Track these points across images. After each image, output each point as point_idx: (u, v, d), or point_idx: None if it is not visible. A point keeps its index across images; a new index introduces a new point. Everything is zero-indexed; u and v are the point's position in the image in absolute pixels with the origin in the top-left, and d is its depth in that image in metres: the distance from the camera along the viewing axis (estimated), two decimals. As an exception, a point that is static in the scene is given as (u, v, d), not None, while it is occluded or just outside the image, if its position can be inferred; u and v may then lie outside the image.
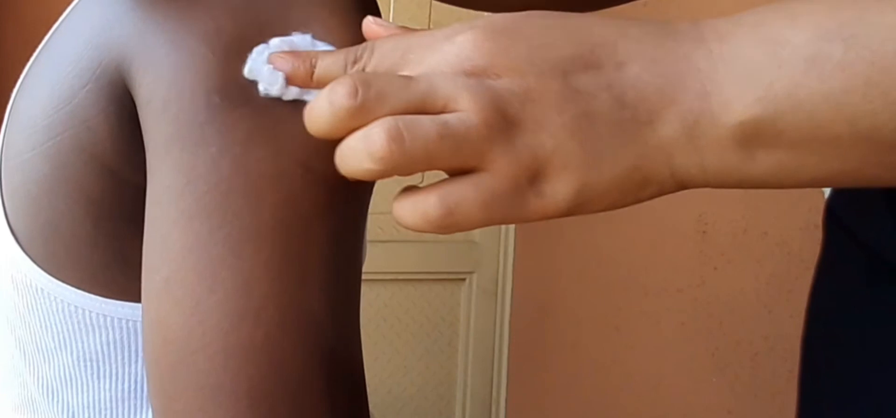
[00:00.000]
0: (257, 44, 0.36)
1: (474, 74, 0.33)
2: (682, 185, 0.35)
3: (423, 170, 0.33)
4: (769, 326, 1.21)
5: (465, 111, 0.32)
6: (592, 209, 0.35)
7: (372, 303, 1.89)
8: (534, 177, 0.33)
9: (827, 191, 1.06)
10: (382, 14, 0.41)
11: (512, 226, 1.95)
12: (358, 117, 0.32)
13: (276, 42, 0.36)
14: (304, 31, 0.36)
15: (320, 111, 0.33)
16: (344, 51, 0.36)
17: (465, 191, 0.33)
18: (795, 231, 1.16)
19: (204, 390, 0.33)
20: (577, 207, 0.34)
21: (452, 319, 1.98)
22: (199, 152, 0.34)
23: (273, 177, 0.34)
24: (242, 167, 0.34)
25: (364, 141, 0.32)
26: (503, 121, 0.32)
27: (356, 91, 0.32)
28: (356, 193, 0.38)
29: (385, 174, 0.32)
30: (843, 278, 0.50)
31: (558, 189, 0.33)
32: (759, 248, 1.23)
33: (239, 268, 0.34)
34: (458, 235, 1.95)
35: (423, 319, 1.96)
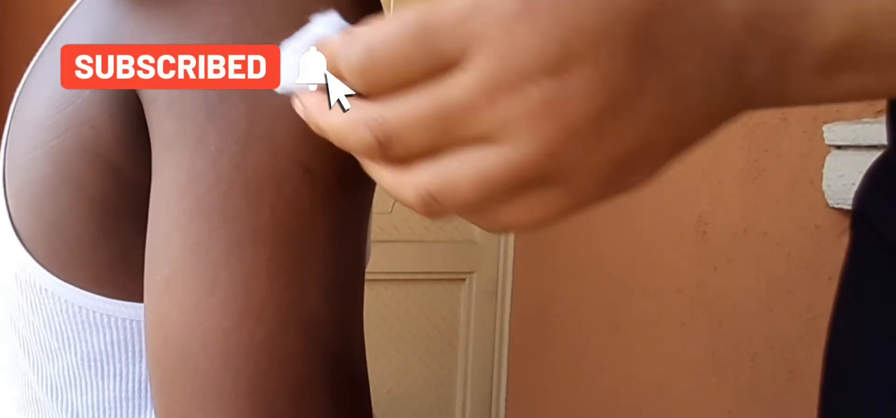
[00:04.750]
0: (255, 40, 0.35)
1: (526, 81, 0.26)
2: (747, 109, 0.30)
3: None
4: (769, 326, 1.21)
5: (517, 147, 0.26)
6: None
7: (372, 303, 1.89)
8: (618, 173, 0.28)
9: (828, 191, 1.06)
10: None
11: (512, 226, 1.95)
12: (383, 157, 0.29)
13: (300, 36, 0.32)
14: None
15: (339, 134, 0.29)
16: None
17: (541, 208, 0.28)
18: (795, 231, 1.16)
19: (204, 391, 0.33)
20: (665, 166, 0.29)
21: (452, 319, 1.98)
22: (199, 151, 0.34)
23: (272, 177, 0.34)
24: (241, 167, 0.34)
25: (398, 192, 0.28)
26: (571, 143, 0.26)
27: (377, 147, 0.28)
28: (355, 192, 0.38)
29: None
30: (873, 281, 0.49)
31: (643, 172, 0.29)
32: (759, 248, 1.23)
33: (239, 269, 0.33)
34: (458, 235, 1.95)
35: (423, 319, 1.96)
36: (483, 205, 0.28)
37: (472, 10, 0.26)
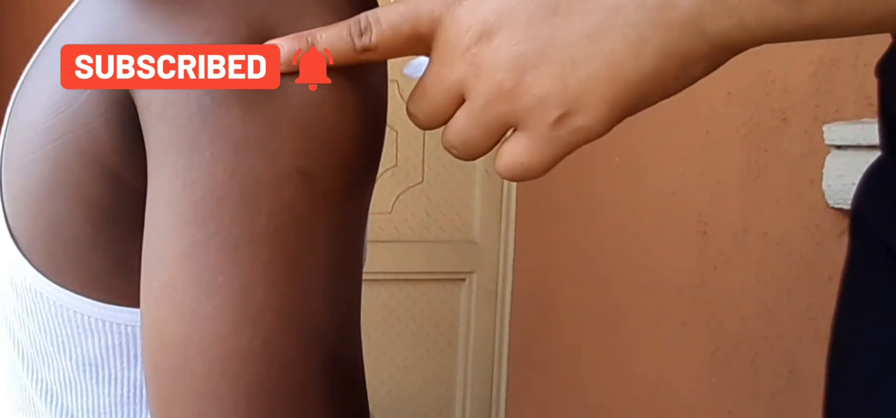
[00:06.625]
0: (251, 42, 0.36)
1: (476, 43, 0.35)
2: (732, 51, 0.33)
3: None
4: (769, 326, 1.21)
5: (472, 98, 0.36)
6: (641, 107, 0.35)
7: (372, 302, 1.89)
8: (561, 117, 0.35)
9: (828, 191, 1.05)
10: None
11: (512, 226, 1.95)
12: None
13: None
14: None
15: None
16: (346, 23, 0.37)
17: (513, 153, 0.36)
18: (795, 231, 1.16)
19: (202, 396, 0.33)
20: (621, 115, 0.35)
21: (452, 319, 1.98)
22: (195, 157, 0.34)
23: (269, 183, 0.34)
24: (237, 172, 0.34)
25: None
26: (506, 92, 0.35)
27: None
28: (354, 195, 0.38)
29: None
30: (873, 284, 0.49)
31: (589, 117, 0.34)
32: (759, 248, 1.23)
33: (236, 274, 0.33)
34: (458, 235, 1.95)
35: (423, 319, 1.96)
36: (478, 145, 0.37)
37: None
